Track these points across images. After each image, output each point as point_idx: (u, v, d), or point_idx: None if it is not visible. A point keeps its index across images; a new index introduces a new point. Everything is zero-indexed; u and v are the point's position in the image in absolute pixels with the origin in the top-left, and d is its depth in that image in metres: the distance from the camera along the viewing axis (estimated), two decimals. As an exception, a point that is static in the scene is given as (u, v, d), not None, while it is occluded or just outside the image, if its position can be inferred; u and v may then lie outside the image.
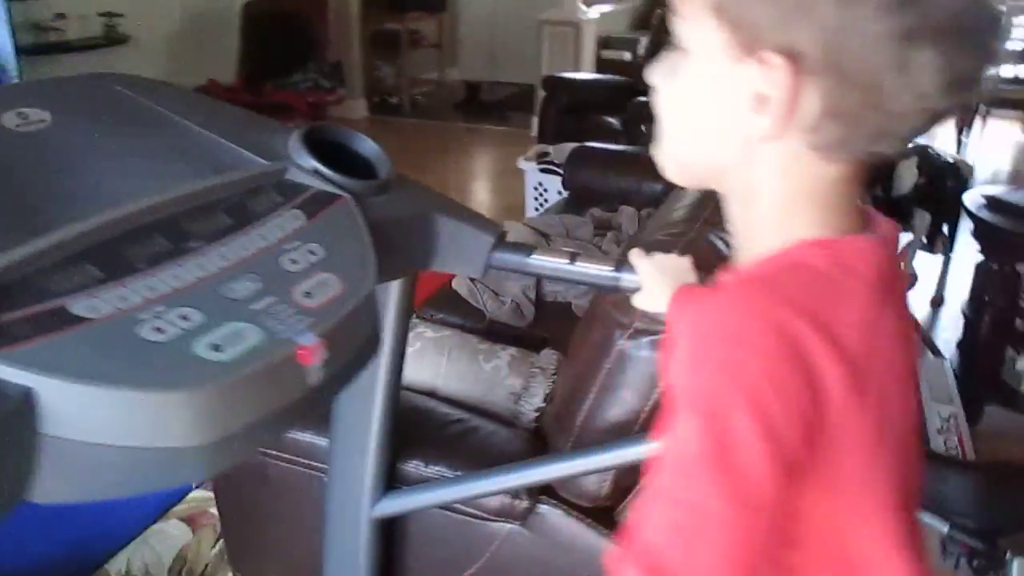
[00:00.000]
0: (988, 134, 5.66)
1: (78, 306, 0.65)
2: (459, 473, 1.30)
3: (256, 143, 0.94)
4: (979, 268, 2.56)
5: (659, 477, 0.50)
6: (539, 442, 1.37)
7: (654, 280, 0.99)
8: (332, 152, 0.98)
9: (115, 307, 0.67)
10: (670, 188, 2.90)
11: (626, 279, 1.02)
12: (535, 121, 4.90)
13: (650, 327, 1.13)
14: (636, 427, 1.16)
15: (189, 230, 0.78)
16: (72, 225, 0.72)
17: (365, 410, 1.22)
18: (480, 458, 1.30)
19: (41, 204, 0.75)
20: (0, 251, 0.65)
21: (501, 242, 1.05)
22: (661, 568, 0.47)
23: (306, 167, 0.93)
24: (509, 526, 1.31)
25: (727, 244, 1.14)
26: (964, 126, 5.31)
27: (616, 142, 3.58)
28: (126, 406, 0.63)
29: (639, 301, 1.02)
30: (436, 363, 1.59)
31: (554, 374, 1.55)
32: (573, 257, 1.05)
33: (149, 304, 0.68)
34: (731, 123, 0.57)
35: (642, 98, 3.95)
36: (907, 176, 2.98)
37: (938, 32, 0.50)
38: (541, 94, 4.63)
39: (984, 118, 5.54)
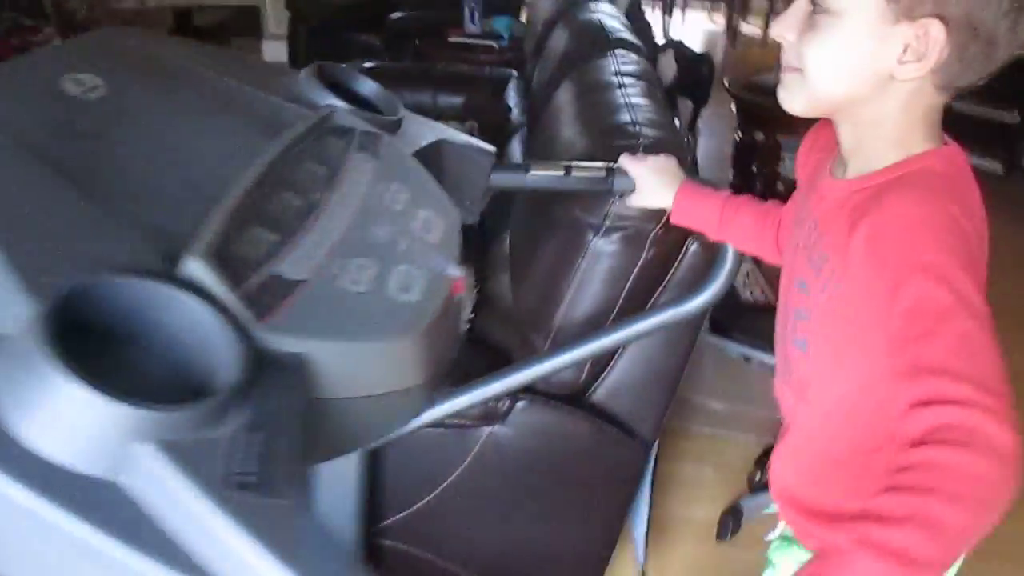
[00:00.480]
0: (685, 22, 6.37)
1: (287, 271, 0.65)
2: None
3: (283, 89, 0.93)
4: (742, 143, 2.96)
5: (943, 316, 0.65)
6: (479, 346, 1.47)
7: (650, 180, 1.12)
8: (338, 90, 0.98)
9: (310, 267, 0.67)
10: (470, 102, 3.00)
11: (619, 182, 1.14)
12: (265, 45, 4.68)
13: (618, 224, 1.26)
14: (612, 316, 1.30)
15: (300, 183, 0.78)
16: (218, 193, 0.69)
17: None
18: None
19: (168, 173, 0.71)
20: (197, 224, 0.63)
21: (499, 162, 1.12)
22: (964, 376, 0.61)
23: (343, 109, 0.93)
24: (489, 428, 1.40)
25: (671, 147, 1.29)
26: (665, 14, 5.92)
27: (380, 60, 3.55)
28: (377, 356, 0.65)
29: (638, 200, 1.15)
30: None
31: (475, 287, 1.63)
32: (567, 169, 1.14)
33: (329, 259, 0.69)
34: (879, 69, 0.75)
35: (398, 13, 3.93)
36: (667, 69, 3.33)
37: None
38: (269, 14, 4.41)
39: (683, 9, 6.21)
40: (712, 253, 1.25)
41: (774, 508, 1.04)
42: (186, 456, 0.47)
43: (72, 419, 0.45)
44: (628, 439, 1.44)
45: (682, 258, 1.30)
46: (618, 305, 1.30)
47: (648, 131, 1.38)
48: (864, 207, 0.75)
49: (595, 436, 1.44)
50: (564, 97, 1.75)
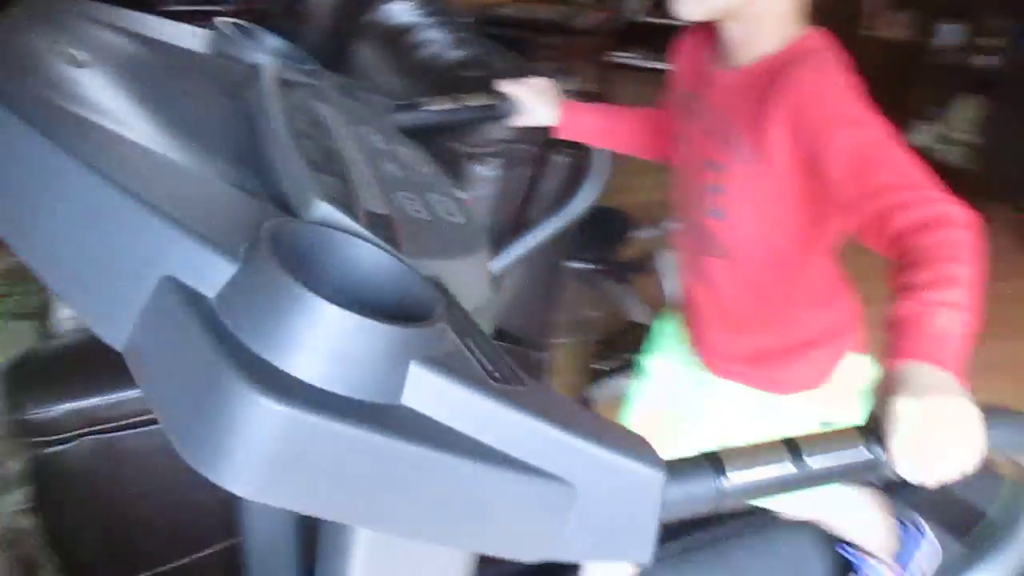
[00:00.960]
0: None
1: (373, 208, 0.66)
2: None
3: (215, 49, 0.88)
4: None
5: (877, 149, 0.81)
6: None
7: (533, 100, 1.20)
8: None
9: (381, 203, 0.68)
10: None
11: (502, 107, 1.21)
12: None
13: (490, 150, 1.33)
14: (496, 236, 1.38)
15: (307, 133, 0.77)
16: (263, 151, 0.68)
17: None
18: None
19: (204, 138, 0.67)
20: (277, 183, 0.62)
21: (398, 105, 1.13)
22: (919, 184, 0.79)
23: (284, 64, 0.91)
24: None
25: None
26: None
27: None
28: (477, 271, 0.68)
29: (524, 120, 1.22)
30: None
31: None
32: (456, 99, 1.19)
33: (385, 195, 0.71)
34: None
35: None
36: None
37: None
38: None
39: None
40: (580, 162, 1.37)
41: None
42: (452, 367, 0.48)
43: (353, 350, 0.45)
44: (527, 354, 1.53)
45: (549, 171, 1.40)
46: (504, 224, 1.38)
47: (494, 60, 1.45)
48: (773, 86, 0.92)
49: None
50: (373, 46, 1.76)
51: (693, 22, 1.04)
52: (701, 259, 1.10)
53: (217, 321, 0.46)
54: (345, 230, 0.56)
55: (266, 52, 0.92)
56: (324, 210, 0.58)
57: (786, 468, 0.55)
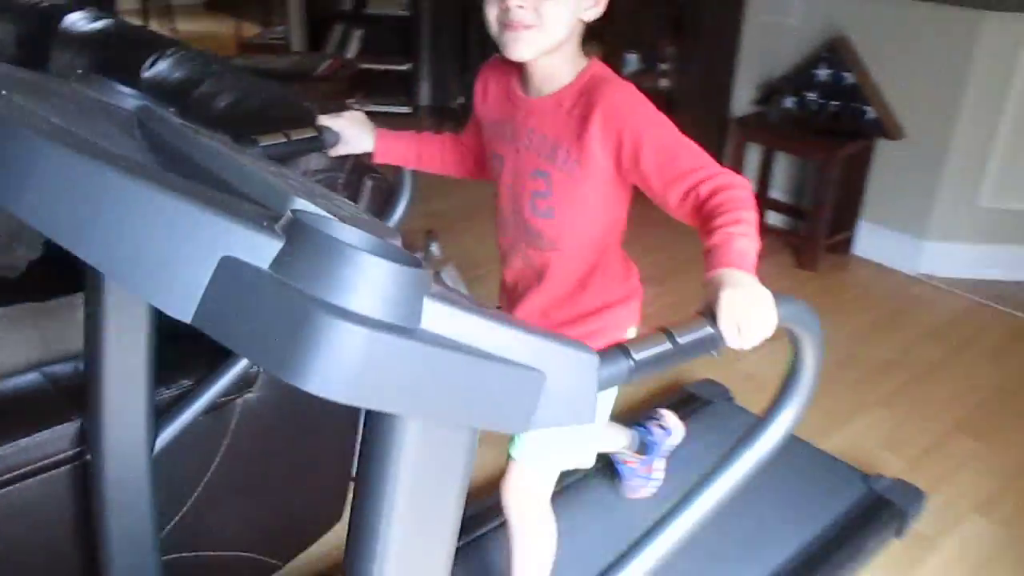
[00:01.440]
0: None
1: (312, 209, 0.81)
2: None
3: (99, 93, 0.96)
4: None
5: (672, 146, 1.09)
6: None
7: (352, 131, 1.37)
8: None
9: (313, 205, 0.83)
10: None
11: (327, 138, 1.36)
12: None
13: (314, 179, 1.47)
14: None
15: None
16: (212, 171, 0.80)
17: (135, 342, 1.24)
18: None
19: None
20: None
21: (235, 141, 1.25)
22: (709, 164, 1.09)
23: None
24: (242, 398, 1.50)
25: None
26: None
27: None
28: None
29: (344, 149, 1.39)
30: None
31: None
32: (286, 134, 1.32)
33: (309, 199, 0.86)
34: (579, 16, 1.18)
35: None
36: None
37: None
38: None
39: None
40: (388, 184, 1.55)
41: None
42: (450, 298, 0.65)
43: (388, 287, 0.60)
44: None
45: (363, 194, 1.57)
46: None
47: (292, 99, 1.59)
48: (582, 106, 1.19)
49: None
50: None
51: (502, 62, 1.27)
52: (529, 252, 1.33)
53: (282, 281, 0.60)
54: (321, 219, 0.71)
55: (136, 99, 1.01)
56: (301, 204, 0.72)
57: (666, 346, 0.79)
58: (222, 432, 1.50)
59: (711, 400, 2.37)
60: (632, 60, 4.08)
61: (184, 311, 0.60)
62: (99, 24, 2.27)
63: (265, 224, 0.62)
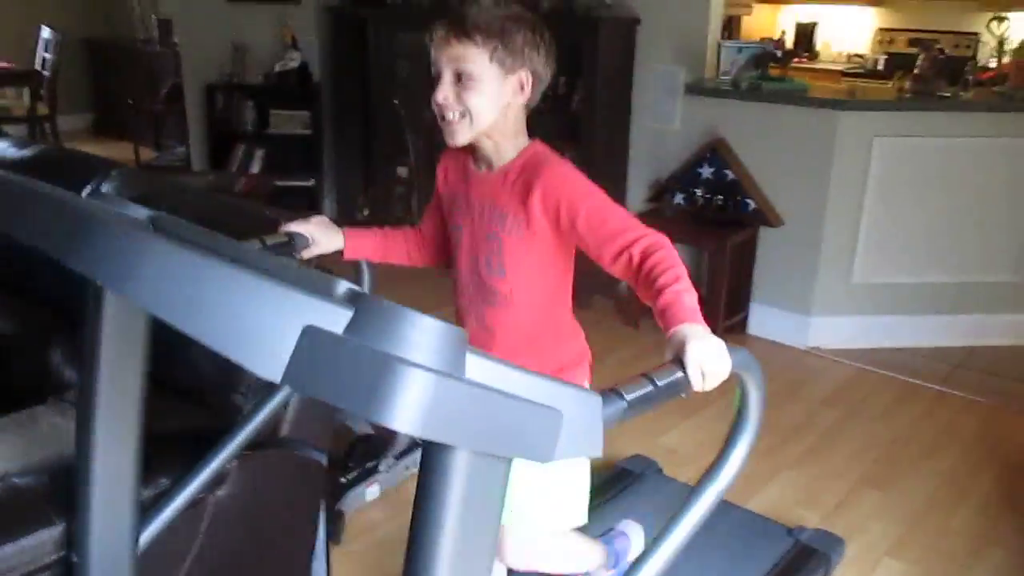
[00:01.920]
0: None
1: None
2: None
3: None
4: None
5: (602, 212, 1.28)
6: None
7: (320, 233, 1.50)
8: None
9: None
10: None
11: (298, 242, 1.49)
12: None
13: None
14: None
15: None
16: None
17: (126, 442, 1.29)
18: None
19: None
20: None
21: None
22: (635, 227, 1.28)
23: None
24: (213, 496, 1.55)
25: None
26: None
27: None
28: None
29: (316, 250, 1.51)
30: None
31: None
32: (263, 242, 1.44)
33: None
34: (503, 102, 1.37)
35: None
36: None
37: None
38: None
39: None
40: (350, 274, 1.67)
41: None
42: (482, 353, 0.79)
43: (440, 346, 0.73)
44: (315, 457, 1.74)
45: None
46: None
47: (250, 209, 1.71)
48: (524, 179, 1.39)
49: (297, 466, 1.70)
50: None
51: (456, 147, 1.44)
52: (484, 310, 1.49)
53: (359, 342, 0.72)
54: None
55: (145, 210, 1.12)
56: (345, 284, 0.85)
57: (648, 387, 0.94)
58: (192, 534, 1.54)
59: (642, 473, 2.52)
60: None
61: (274, 373, 0.72)
62: (29, 151, 2.34)
63: (335, 298, 0.75)
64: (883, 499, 2.65)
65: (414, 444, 2.67)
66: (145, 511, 1.40)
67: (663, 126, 3.90)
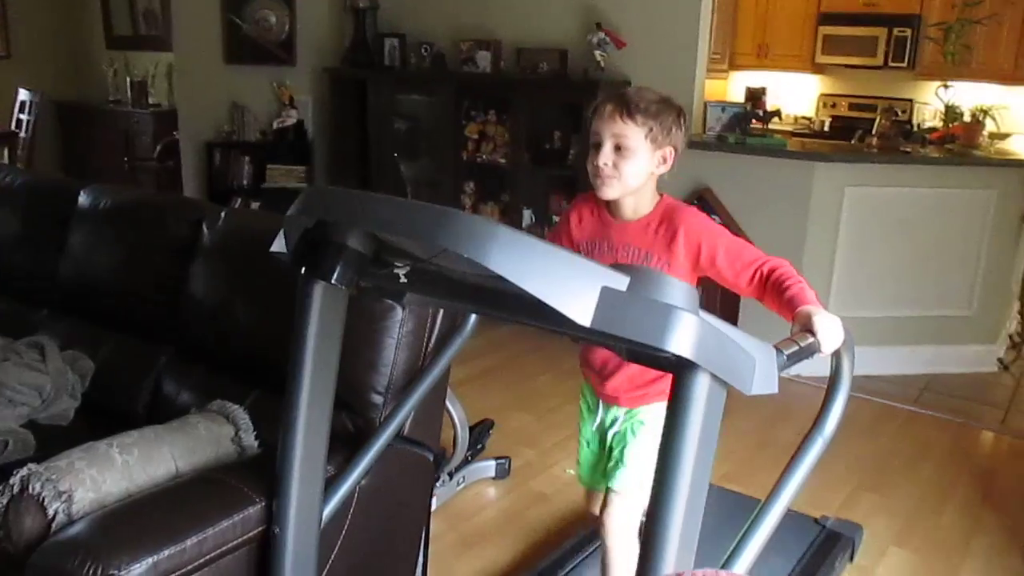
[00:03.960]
0: None
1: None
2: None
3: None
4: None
5: (737, 248, 1.63)
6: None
7: None
8: None
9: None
10: None
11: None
12: None
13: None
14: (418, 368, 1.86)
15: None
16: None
17: (319, 433, 1.53)
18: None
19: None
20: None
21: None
22: (764, 255, 1.61)
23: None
24: (360, 486, 1.78)
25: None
26: None
27: None
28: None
29: None
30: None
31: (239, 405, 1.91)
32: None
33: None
34: (650, 170, 1.70)
35: None
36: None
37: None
38: None
39: None
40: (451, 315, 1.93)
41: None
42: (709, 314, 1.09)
43: (688, 294, 1.02)
44: (428, 455, 1.98)
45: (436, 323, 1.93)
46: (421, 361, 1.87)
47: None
48: (667, 226, 1.69)
49: (417, 463, 1.94)
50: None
51: (606, 200, 1.74)
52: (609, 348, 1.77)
53: (639, 295, 1.01)
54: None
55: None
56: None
57: (795, 347, 1.25)
58: (345, 514, 1.77)
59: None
60: (527, 215, 4.69)
61: (585, 319, 1.00)
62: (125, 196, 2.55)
63: (613, 269, 1.04)
64: (880, 501, 3.00)
65: (465, 462, 2.92)
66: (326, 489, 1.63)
67: (653, 178, 4.29)
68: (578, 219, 1.85)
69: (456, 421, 2.77)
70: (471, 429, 2.89)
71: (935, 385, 4.07)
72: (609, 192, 1.68)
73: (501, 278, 0.99)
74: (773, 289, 1.54)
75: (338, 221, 1.25)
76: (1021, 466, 3.39)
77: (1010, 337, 4.56)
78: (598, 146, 1.67)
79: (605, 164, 1.65)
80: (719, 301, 3.96)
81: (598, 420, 1.91)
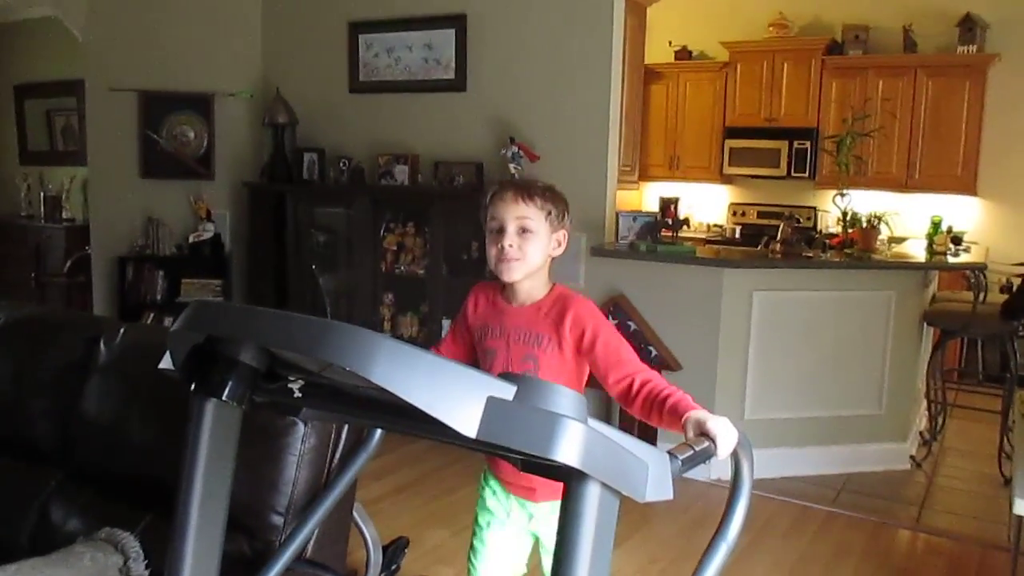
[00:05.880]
0: None
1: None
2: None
3: None
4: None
5: (616, 343, 1.62)
6: None
7: None
8: None
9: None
10: None
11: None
12: None
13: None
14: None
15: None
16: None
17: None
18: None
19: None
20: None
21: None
22: (638, 361, 1.60)
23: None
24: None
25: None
26: None
27: None
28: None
29: None
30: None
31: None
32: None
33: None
34: (549, 252, 1.77)
35: None
36: None
37: None
38: None
39: None
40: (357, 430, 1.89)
41: None
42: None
43: (575, 403, 1.02)
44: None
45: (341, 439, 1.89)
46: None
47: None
48: (558, 310, 1.74)
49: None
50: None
51: (487, 285, 1.81)
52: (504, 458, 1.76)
53: (526, 405, 1.01)
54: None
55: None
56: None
57: (691, 451, 1.25)
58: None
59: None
60: (446, 325, 4.69)
61: (471, 430, 0.99)
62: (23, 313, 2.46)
63: (500, 378, 1.04)
64: (803, 605, 2.97)
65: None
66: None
67: (569, 284, 4.35)
68: (474, 306, 1.90)
69: (368, 540, 2.66)
70: (384, 549, 2.78)
71: (851, 484, 4.13)
72: (514, 274, 1.73)
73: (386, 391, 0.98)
74: (652, 403, 1.57)
75: (225, 336, 1.22)
76: (937, 563, 3.42)
77: (920, 434, 4.69)
78: (501, 230, 1.74)
79: (510, 246, 1.71)
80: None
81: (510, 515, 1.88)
